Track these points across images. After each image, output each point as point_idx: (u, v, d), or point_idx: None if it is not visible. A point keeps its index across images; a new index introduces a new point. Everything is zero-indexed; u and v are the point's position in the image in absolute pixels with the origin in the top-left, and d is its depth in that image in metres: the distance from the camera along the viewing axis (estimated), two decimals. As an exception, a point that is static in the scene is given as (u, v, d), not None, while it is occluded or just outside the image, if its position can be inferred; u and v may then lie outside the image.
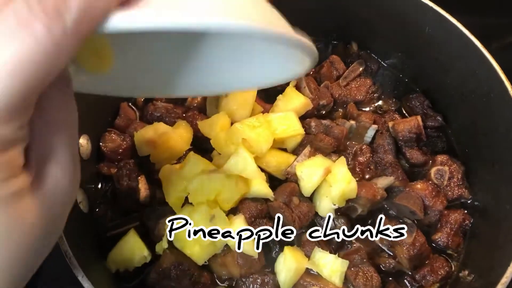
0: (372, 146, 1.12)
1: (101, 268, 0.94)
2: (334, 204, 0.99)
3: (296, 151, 1.08)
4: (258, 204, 0.99)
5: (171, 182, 0.99)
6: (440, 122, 1.17)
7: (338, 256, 0.96)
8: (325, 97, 1.16)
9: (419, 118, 1.14)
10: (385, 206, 1.07)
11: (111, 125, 1.13)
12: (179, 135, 1.07)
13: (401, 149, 1.13)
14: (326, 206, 0.99)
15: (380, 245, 1.03)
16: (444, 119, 1.17)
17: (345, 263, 0.95)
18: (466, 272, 0.99)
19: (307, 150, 1.05)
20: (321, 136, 1.07)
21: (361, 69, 1.23)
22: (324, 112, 1.19)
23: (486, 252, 0.97)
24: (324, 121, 1.12)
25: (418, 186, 1.05)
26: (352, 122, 1.14)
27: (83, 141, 1.02)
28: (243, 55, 0.60)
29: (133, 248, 0.96)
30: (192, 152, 1.02)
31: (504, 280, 0.82)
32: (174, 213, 0.97)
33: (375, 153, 1.11)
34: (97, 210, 1.03)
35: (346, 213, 1.04)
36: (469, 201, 1.08)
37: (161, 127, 1.08)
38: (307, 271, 0.96)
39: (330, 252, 0.97)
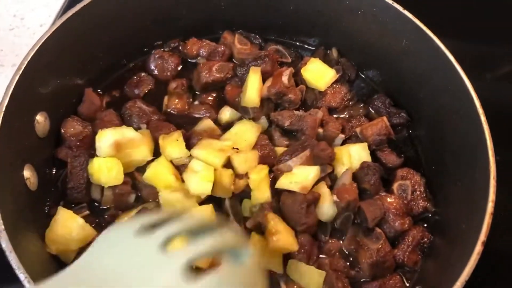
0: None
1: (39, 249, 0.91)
2: None
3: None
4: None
5: None
6: (405, 117, 1.16)
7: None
8: (295, 94, 1.13)
9: (385, 119, 1.12)
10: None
11: (74, 107, 1.11)
12: (145, 143, 1.02)
13: (375, 154, 1.10)
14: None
15: (344, 248, 1.00)
16: (414, 133, 1.16)
17: (322, 274, 0.93)
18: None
19: (305, 153, 1.02)
20: (324, 146, 1.04)
21: (337, 76, 1.20)
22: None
23: (438, 269, 0.94)
24: (297, 112, 1.11)
25: (388, 199, 1.02)
26: (320, 130, 1.11)
27: (40, 118, 0.99)
28: None
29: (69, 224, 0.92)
30: None
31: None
32: None
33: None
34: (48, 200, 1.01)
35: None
36: (430, 215, 1.06)
37: (128, 131, 1.01)
38: None
39: None
